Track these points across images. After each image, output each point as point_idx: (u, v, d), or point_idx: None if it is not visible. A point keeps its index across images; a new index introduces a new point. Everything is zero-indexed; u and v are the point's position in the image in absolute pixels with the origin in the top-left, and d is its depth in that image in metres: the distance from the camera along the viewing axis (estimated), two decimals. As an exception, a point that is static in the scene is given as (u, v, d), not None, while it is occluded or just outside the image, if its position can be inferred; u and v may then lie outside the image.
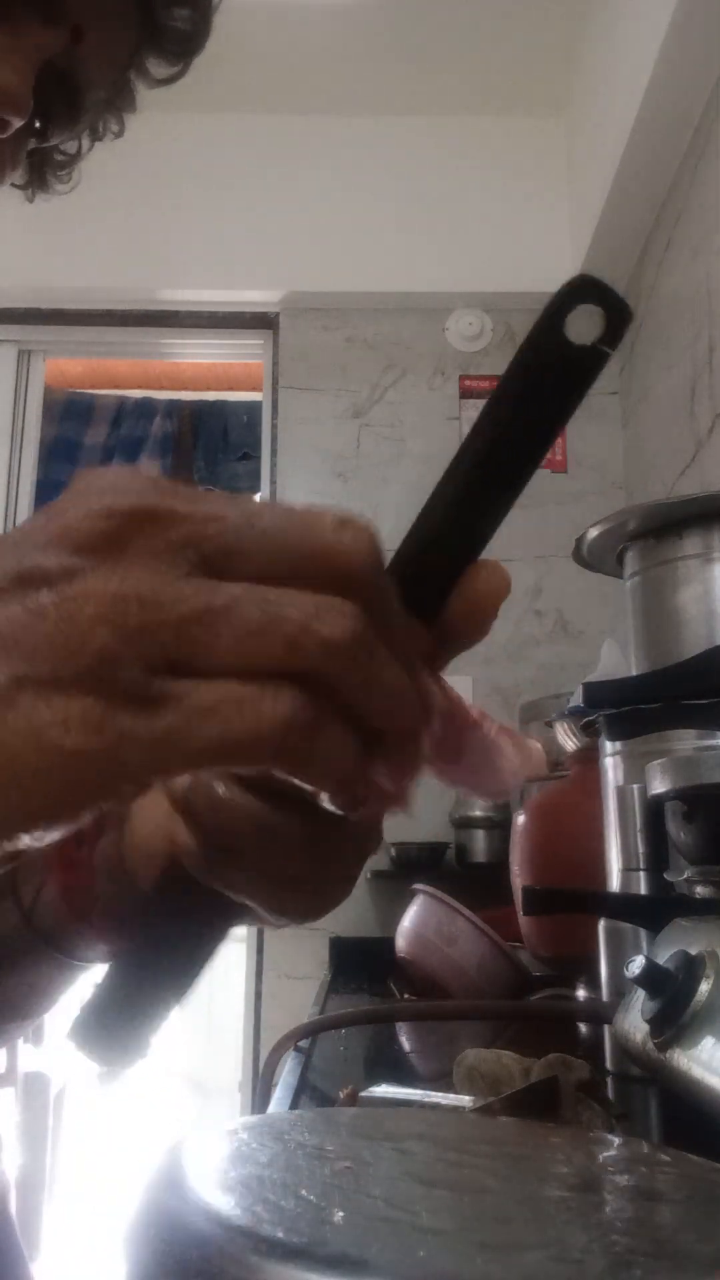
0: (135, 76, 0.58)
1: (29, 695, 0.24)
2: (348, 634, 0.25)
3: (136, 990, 0.30)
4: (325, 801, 0.26)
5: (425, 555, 0.28)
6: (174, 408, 3.29)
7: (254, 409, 3.00)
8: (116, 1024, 0.29)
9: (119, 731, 0.24)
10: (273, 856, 0.30)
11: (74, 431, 3.20)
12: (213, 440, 3.31)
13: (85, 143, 0.62)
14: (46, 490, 3.05)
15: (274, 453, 2.56)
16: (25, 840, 0.24)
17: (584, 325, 0.26)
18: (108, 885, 0.44)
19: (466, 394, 2.53)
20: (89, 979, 0.46)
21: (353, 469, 2.49)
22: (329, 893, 0.31)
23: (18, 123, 0.49)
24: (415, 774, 0.28)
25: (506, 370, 0.27)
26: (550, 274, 2.54)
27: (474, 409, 2.52)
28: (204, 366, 3.24)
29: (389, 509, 2.44)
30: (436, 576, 0.28)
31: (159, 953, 0.30)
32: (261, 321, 2.66)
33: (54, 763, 0.24)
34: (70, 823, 0.25)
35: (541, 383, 0.26)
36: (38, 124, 0.53)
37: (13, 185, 0.58)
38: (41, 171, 0.63)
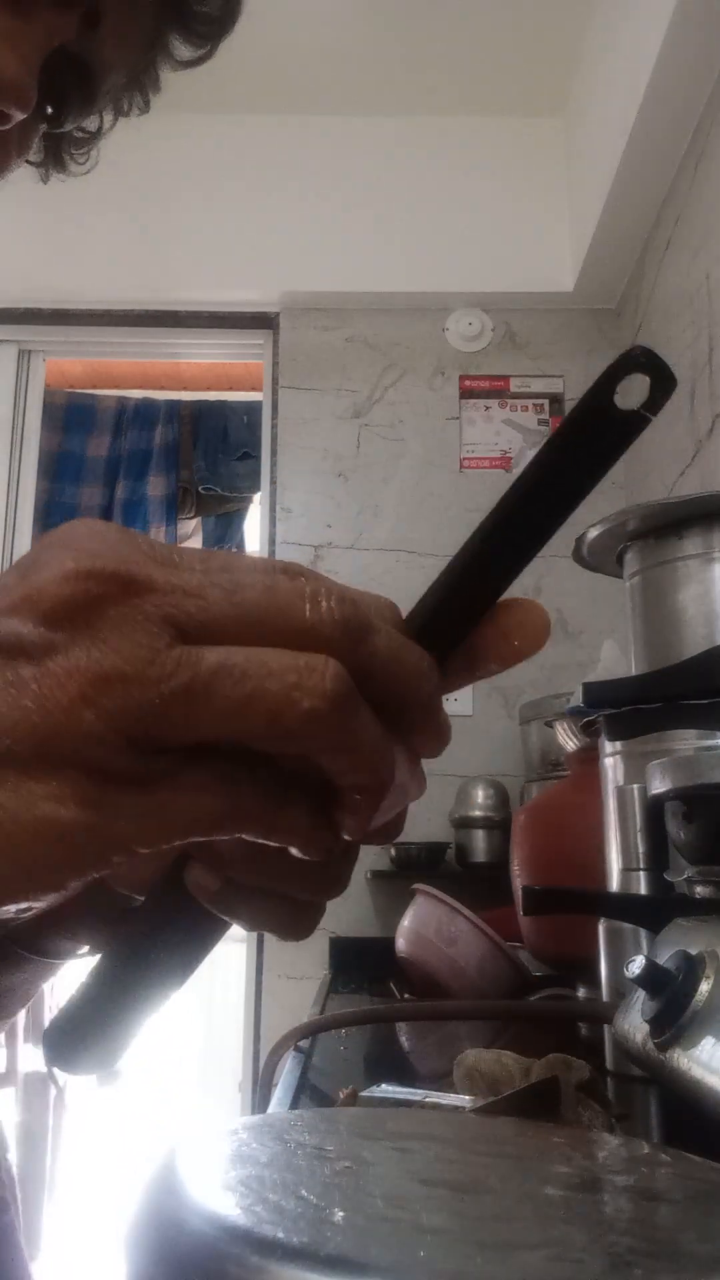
0: (159, 58, 0.55)
1: (15, 773, 0.24)
2: (327, 703, 0.25)
3: (121, 995, 0.30)
4: (296, 853, 0.28)
5: (460, 581, 0.30)
6: (175, 410, 3.29)
7: (254, 409, 3.00)
8: (93, 1032, 0.30)
9: (108, 806, 0.25)
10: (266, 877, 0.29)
11: (77, 444, 3.21)
12: (213, 440, 3.31)
13: (107, 120, 0.59)
14: (54, 512, 3.06)
15: (274, 453, 2.56)
16: (14, 909, 0.26)
17: (633, 392, 0.29)
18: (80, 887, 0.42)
19: (466, 394, 2.53)
20: (64, 975, 0.45)
21: (353, 469, 2.49)
22: (318, 910, 0.31)
23: (20, 115, 0.46)
24: (369, 822, 0.28)
25: (558, 427, 0.30)
26: (550, 274, 2.56)
27: (473, 409, 2.52)
28: (204, 366, 3.24)
29: (389, 509, 2.45)
30: (465, 605, 0.30)
31: (150, 955, 0.30)
32: (261, 321, 2.66)
33: (45, 836, 0.24)
34: (60, 891, 0.25)
35: (585, 439, 0.29)
36: (50, 109, 0.50)
37: (28, 162, 0.55)
38: (58, 151, 0.59)
